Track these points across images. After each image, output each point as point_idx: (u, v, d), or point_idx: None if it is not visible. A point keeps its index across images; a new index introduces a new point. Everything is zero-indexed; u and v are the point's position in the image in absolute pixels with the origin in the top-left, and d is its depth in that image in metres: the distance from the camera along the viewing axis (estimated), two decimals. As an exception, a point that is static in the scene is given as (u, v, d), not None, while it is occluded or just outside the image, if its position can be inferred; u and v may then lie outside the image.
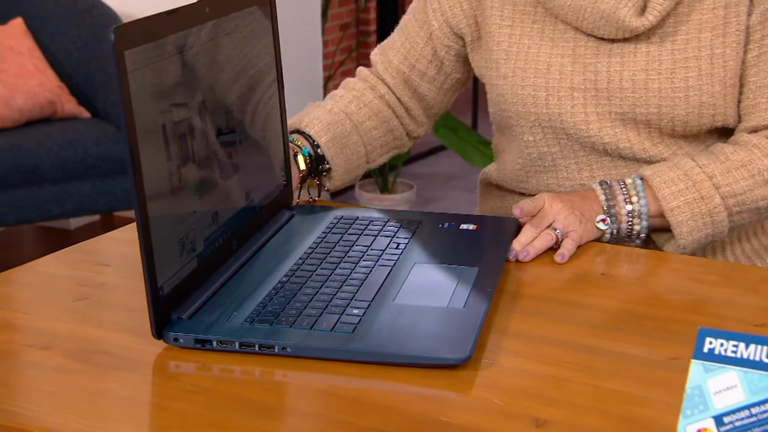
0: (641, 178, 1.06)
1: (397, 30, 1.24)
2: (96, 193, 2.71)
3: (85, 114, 2.91)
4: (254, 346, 0.78)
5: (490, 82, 1.15)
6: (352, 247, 0.97)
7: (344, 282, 0.88)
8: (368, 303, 0.84)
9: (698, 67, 1.06)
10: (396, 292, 0.87)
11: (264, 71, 1.02)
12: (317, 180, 1.15)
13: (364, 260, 0.94)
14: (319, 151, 1.14)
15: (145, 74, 0.78)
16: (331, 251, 0.96)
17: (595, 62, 1.09)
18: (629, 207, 1.05)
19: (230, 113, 0.94)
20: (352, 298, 0.85)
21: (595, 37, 1.09)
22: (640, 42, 1.08)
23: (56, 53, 2.94)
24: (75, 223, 3.38)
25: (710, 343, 0.62)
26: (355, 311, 0.82)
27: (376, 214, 1.06)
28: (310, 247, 0.97)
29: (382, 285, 0.88)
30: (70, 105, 2.88)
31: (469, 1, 1.16)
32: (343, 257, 0.94)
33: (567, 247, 0.99)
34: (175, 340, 0.80)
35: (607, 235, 1.05)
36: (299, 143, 1.13)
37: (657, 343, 0.81)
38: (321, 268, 0.92)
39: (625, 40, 1.08)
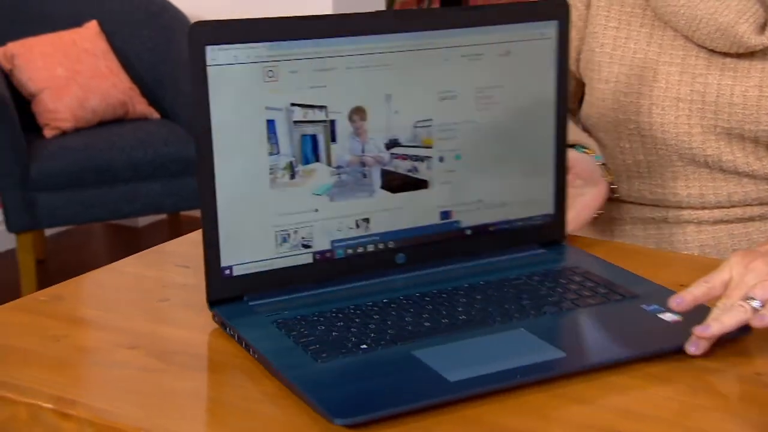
0: None
1: None
2: (164, 193, 2.76)
3: (155, 115, 2.97)
4: (242, 343, 0.81)
5: (591, 84, 1.12)
6: (507, 294, 0.88)
7: (411, 324, 0.82)
8: (385, 345, 0.79)
9: None
10: (431, 346, 0.79)
11: (517, 94, 0.95)
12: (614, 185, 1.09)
13: (480, 311, 0.85)
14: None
15: (236, 71, 0.84)
16: (482, 292, 0.88)
17: (705, 74, 1.05)
18: None
19: (427, 127, 0.91)
20: (385, 338, 0.80)
21: (706, 48, 1.05)
22: (755, 58, 1.04)
23: (128, 55, 3.01)
24: (143, 221, 3.45)
25: (803, 360, 0.61)
26: (363, 347, 0.78)
27: (604, 275, 0.92)
28: (469, 284, 0.90)
29: (434, 336, 0.80)
30: (141, 106, 2.94)
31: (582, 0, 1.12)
32: (472, 302, 0.86)
33: None
34: (214, 316, 0.85)
35: None
36: (591, 153, 1.07)
37: (744, 358, 0.79)
38: (428, 304, 0.86)
39: (739, 55, 1.04)
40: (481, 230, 0.96)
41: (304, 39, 0.86)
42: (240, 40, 0.84)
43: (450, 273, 0.93)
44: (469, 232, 0.96)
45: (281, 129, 0.86)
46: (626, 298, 0.88)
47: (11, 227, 2.66)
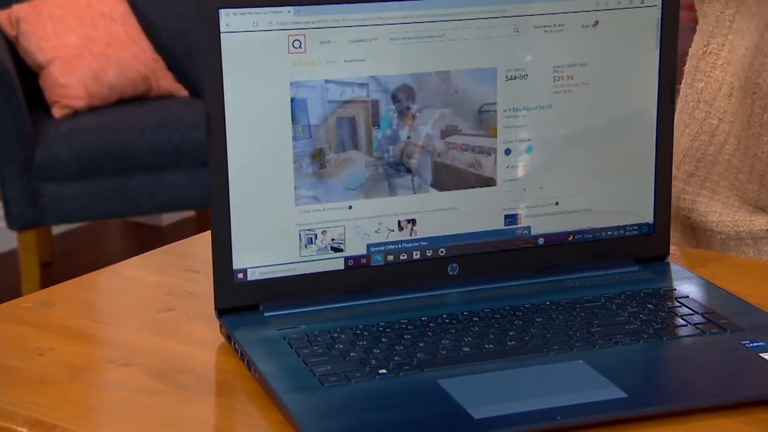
0: None
1: None
2: (192, 185, 2.81)
3: (183, 92, 3.02)
4: (244, 360, 0.82)
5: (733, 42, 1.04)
6: (576, 318, 0.87)
7: (448, 348, 0.82)
8: (409, 371, 0.79)
9: None
10: (464, 375, 0.79)
11: (607, 75, 0.94)
12: None
13: (535, 337, 0.84)
14: None
15: (255, 40, 0.85)
16: (545, 313, 0.88)
17: None
18: None
19: (491, 112, 0.91)
20: (411, 362, 0.80)
21: None
22: None
23: (153, 21, 3.07)
24: (167, 219, 3.51)
25: None
26: (382, 371, 0.79)
27: (706, 301, 0.92)
28: (531, 303, 0.90)
29: (471, 363, 0.80)
30: (166, 81, 3.00)
31: None
32: (528, 325, 0.86)
33: None
34: (221, 327, 0.87)
35: None
36: None
37: None
38: (474, 325, 0.86)
39: None
40: (557, 240, 0.96)
41: (337, 3, 0.87)
42: (260, 3, 0.86)
43: (513, 289, 0.93)
44: (541, 241, 0.96)
45: (312, 110, 0.88)
46: (726, 331, 0.86)
47: (12, 224, 2.74)
